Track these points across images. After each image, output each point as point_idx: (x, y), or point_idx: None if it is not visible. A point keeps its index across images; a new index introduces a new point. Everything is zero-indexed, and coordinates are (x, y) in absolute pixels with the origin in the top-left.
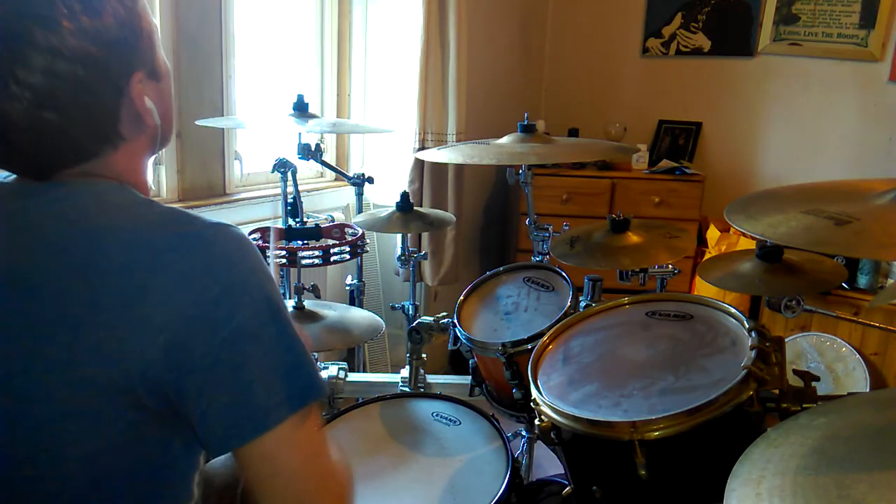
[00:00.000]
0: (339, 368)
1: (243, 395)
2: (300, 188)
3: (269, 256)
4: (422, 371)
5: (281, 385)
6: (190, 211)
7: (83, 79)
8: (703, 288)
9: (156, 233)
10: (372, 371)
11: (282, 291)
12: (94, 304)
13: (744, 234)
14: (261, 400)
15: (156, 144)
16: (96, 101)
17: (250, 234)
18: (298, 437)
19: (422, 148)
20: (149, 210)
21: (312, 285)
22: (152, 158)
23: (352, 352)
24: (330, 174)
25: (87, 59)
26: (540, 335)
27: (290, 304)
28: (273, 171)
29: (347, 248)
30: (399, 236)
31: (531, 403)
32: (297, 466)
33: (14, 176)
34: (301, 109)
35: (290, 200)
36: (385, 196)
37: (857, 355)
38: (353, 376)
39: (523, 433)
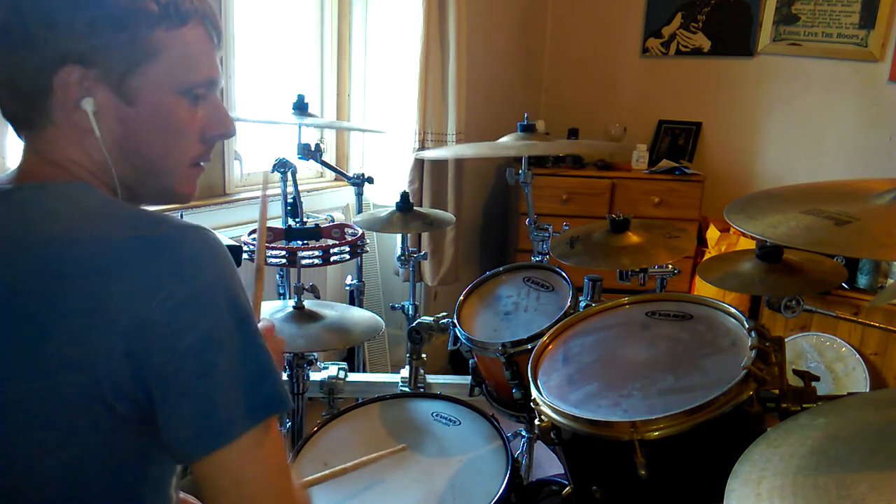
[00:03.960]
0: (339, 368)
1: (206, 404)
2: (300, 188)
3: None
4: (422, 371)
5: (243, 396)
6: (160, 212)
7: (5, 46)
8: (703, 288)
9: (120, 236)
10: (372, 371)
11: (281, 292)
12: (58, 310)
13: (744, 234)
14: (223, 411)
15: (114, 181)
16: (18, 71)
17: (250, 233)
18: (260, 451)
19: (422, 148)
20: (116, 212)
21: (311, 285)
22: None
23: (352, 352)
24: (330, 174)
25: (6, 28)
26: (540, 335)
27: (289, 303)
28: (273, 171)
29: (347, 248)
30: (399, 236)
31: (531, 403)
32: (256, 481)
33: None
34: (301, 109)
35: (290, 200)
36: (385, 196)
37: (857, 355)
38: (353, 376)
39: (523, 433)
